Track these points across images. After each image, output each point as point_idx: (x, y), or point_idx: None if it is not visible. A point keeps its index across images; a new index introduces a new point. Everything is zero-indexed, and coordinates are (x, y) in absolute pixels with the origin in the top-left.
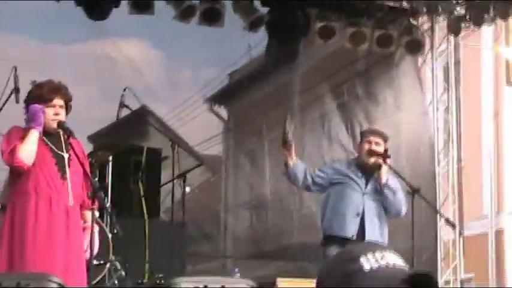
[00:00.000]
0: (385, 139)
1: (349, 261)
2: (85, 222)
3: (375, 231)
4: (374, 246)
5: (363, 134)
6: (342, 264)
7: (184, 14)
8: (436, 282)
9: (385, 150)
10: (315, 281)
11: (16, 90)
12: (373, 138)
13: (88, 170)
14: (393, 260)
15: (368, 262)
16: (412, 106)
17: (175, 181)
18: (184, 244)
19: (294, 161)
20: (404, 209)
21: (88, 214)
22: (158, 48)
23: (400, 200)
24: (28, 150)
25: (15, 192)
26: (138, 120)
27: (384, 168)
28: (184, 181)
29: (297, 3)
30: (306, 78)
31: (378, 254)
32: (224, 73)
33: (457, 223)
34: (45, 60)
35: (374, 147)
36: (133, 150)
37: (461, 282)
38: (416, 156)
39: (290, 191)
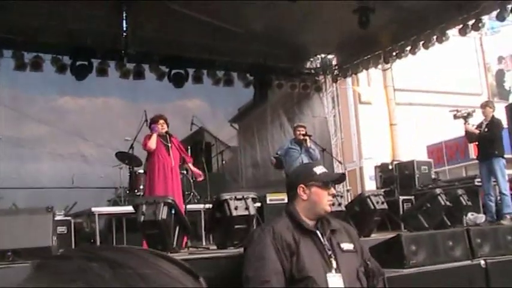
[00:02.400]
0: (305, 128)
1: (309, 169)
2: (191, 169)
3: None
4: (317, 163)
5: (295, 127)
6: (304, 170)
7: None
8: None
9: (305, 133)
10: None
11: (146, 120)
12: (300, 128)
13: (184, 149)
14: (325, 169)
15: (317, 169)
16: (319, 114)
17: (218, 155)
18: (223, 182)
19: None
20: (319, 157)
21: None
22: (204, 100)
23: (317, 154)
24: (152, 142)
25: (149, 162)
26: (200, 132)
27: (307, 141)
28: (222, 155)
29: (265, 73)
30: (272, 106)
31: (319, 166)
32: (236, 107)
33: (343, 163)
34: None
35: (301, 132)
36: (201, 143)
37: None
38: (322, 135)
39: (269, 159)
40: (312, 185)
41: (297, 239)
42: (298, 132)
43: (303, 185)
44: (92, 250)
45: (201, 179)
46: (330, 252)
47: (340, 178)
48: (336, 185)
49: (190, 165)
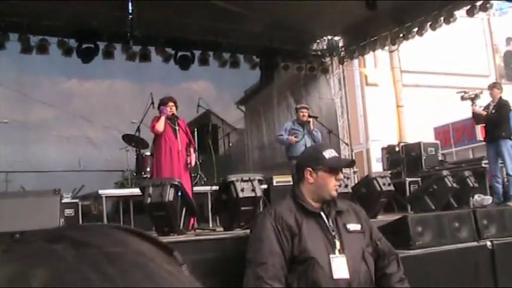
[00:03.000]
0: (308, 109)
1: (318, 152)
2: (190, 154)
3: None
4: (327, 146)
5: (298, 109)
6: (315, 153)
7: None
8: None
9: (310, 115)
10: None
11: (152, 102)
12: (303, 110)
13: (189, 132)
14: (335, 153)
15: (326, 153)
16: (326, 96)
17: (224, 138)
18: (230, 164)
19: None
20: (321, 140)
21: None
22: (211, 83)
23: (319, 136)
24: (160, 124)
25: (156, 144)
26: (206, 114)
27: (311, 122)
28: (228, 138)
29: (271, 55)
30: (279, 88)
31: (329, 150)
32: (242, 89)
33: (349, 145)
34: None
35: (304, 114)
36: (207, 126)
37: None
38: (329, 117)
39: (273, 140)
40: (320, 169)
41: (299, 221)
42: (301, 114)
43: (310, 168)
44: (56, 230)
45: (190, 165)
46: (334, 233)
47: (349, 165)
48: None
49: (191, 149)
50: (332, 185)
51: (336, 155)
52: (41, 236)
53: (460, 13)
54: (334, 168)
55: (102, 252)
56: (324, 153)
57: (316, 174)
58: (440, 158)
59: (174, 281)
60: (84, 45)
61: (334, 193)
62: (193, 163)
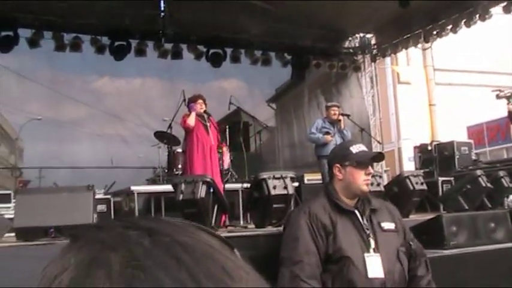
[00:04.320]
0: (339, 107)
1: (345, 148)
2: (223, 153)
3: None
4: (355, 142)
5: (329, 107)
6: (343, 149)
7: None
8: (383, 156)
9: (342, 113)
10: None
11: (184, 100)
12: (334, 108)
13: (218, 129)
14: (364, 148)
15: (354, 148)
16: (357, 95)
17: (255, 135)
18: (261, 162)
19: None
20: (350, 137)
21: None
22: (242, 81)
23: (349, 135)
24: (191, 120)
25: (188, 141)
26: (237, 112)
27: (342, 121)
28: (260, 136)
29: (303, 53)
30: (310, 87)
31: (357, 145)
32: (273, 87)
33: (381, 143)
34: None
35: (335, 112)
36: (239, 123)
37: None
38: (360, 115)
39: (304, 139)
40: (348, 164)
41: (333, 219)
42: (333, 112)
43: (338, 165)
44: (129, 219)
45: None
46: (368, 232)
47: (376, 157)
48: (375, 165)
49: (225, 149)
50: (362, 180)
51: (364, 149)
52: (115, 224)
53: (496, 10)
54: (362, 162)
55: (175, 240)
56: (351, 148)
57: (345, 170)
58: (473, 157)
59: (243, 274)
60: (116, 43)
61: (365, 188)
62: (226, 164)
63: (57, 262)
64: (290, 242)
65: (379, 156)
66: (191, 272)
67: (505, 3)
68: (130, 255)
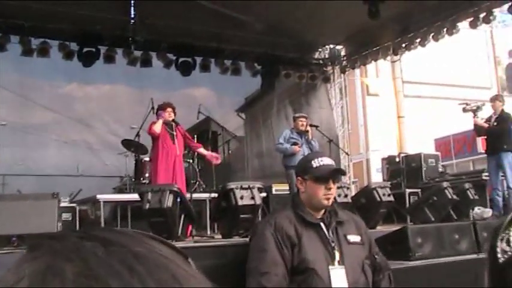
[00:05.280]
0: (307, 119)
1: (307, 161)
2: (206, 153)
3: None
4: (319, 155)
5: (297, 117)
6: (304, 162)
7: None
8: (342, 172)
9: (310, 124)
10: None
11: (152, 108)
12: (302, 119)
13: (189, 137)
14: (327, 161)
15: (315, 162)
16: (326, 106)
17: (224, 145)
18: (229, 171)
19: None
20: (318, 149)
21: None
22: (211, 89)
23: (317, 146)
24: (157, 127)
25: (153, 150)
26: (207, 121)
27: (309, 132)
28: (228, 145)
29: (273, 63)
30: (279, 97)
31: (319, 159)
32: (243, 97)
33: (349, 154)
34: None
35: (303, 123)
36: (207, 132)
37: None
38: (329, 126)
39: (272, 149)
40: (308, 178)
41: (299, 231)
42: (300, 123)
43: (300, 178)
44: (84, 230)
45: (218, 161)
46: (333, 244)
47: (335, 173)
48: (342, 177)
49: (202, 150)
50: (321, 195)
51: (326, 163)
52: (70, 234)
53: (463, 25)
54: (320, 177)
55: (129, 251)
56: (312, 161)
57: (306, 184)
58: (440, 169)
59: (195, 283)
60: (85, 49)
61: (325, 202)
62: (217, 160)
63: (12, 272)
64: (257, 253)
65: (338, 172)
66: (142, 280)
67: (471, 19)
68: (84, 265)
